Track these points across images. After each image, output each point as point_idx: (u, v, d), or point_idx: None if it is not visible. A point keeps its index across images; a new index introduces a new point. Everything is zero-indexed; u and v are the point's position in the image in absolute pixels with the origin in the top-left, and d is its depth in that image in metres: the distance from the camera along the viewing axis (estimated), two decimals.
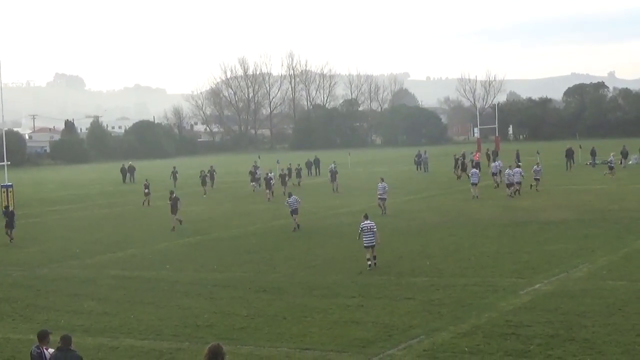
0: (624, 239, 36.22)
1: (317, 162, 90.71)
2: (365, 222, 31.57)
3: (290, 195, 45.55)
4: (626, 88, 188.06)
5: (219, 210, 57.03)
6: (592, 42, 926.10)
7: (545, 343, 20.76)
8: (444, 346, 20.94)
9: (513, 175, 55.72)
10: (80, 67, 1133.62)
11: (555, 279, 28.36)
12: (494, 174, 63.55)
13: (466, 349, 20.60)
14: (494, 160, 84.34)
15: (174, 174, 79.13)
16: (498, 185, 61.67)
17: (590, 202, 50.90)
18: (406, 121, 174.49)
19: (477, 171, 58.70)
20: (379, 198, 49.36)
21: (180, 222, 46.59)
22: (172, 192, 48.72)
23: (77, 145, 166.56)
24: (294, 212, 44.23)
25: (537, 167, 59.78)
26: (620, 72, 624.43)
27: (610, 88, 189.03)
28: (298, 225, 44.07)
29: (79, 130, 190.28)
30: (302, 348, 21.42)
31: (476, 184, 56.31)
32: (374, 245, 31.21)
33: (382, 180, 50.42)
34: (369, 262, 31.12)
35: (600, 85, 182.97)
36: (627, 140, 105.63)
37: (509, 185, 55.64)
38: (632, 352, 19.78)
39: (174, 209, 46.93)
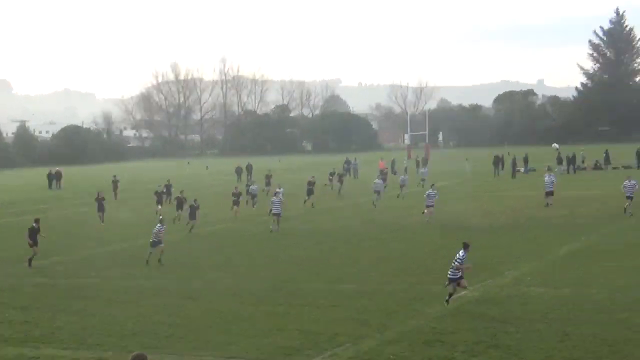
0: (548, 246, 36.81)
1: (249, 168, 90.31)
2: None
3: (161, 221, 38.18)
4: (555, 95, 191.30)
5: (146, 216, 56.41)
6: (522, 49, 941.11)
7: (470, 350, 20.98)
8: (370, 353, 21.03)
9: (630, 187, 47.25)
10: (8, 70, 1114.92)
11: (480, 285, 28.66)
12: (402, 185, 62.39)
13: (391, 356, 20.71)
14: (424, 166, 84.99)
15: (115, 182, 74.49)
16: (399, 196, 61.38)
17: (517, 208, 51.56)
18: (337, 127, 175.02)
19: (381, 182, 59.63)
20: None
21: None
22: None
23: (2, 150, 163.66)
24: (155, 244, 36.89)
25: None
26: (549, 79, 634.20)
27: (540, 95, 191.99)
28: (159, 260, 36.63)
29: (4, 135, 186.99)
30: (227, 357, 21.34)
31: (379, 192, 57.33)
32: None
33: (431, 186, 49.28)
34: None
35: (530, 92, 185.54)
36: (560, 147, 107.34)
37: (629, 198, 46.67)
38: (554, 358, 20.10)
39: None
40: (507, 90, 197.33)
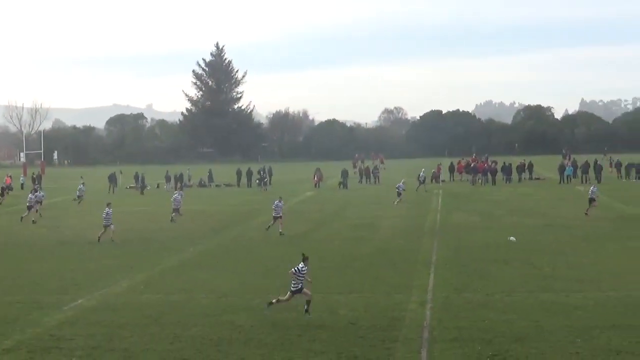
0: (160, 256, 37.02)
1: None
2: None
3: None
4: (163, 119, 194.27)
5: None
6: (132, 75, 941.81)
7: (87, 354, 20.62)
8: None
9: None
10: None
11: (97, 294, 28.26)
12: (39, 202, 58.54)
13: None
14: (38, 183, 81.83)
15: None
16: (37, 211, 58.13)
17: (131, 221, 51.39)
18: None
19: (33, 196, 55.84)
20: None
21: None
22: None
23: None
24: None
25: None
26: (158, 104, 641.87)
27: (149, 119, 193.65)
28: None
29: None
30: None
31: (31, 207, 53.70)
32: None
33: (108, 205, 43.58)
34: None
35: (140, 116, 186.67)
36: (168, 166, 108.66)
37: (278, 218, 44.53)
38: (166, 359, 20.27)
39: None
40: (119, 113, 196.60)
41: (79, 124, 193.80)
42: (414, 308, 25.12)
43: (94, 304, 26.62)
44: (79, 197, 67.22)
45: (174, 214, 51.23)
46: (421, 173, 76.16)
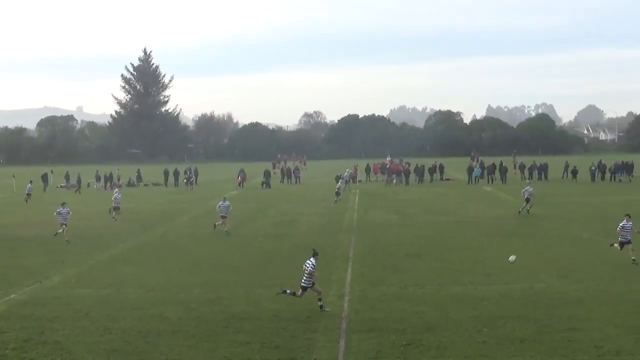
0: (90, 252, 36.55)
1: None
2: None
3: None
4: (92, 121, 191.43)
5: None
6: (62, 79, 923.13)
7: (20, 347, 20.35)
8: None
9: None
10: None
11: (29, 289, 27.81)
12: None
13: None
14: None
15: None
16: None
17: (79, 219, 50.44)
18: None
19: None
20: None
21: None
22: None
23: None
24: None
25: None
26: (87, 106, 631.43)
27: (79, 120, 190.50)
28: None
29: None
30: None
31: None
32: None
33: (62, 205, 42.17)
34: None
35: (70, 117, 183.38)
36: (98, 166, 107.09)
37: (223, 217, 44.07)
38: (96, 350, 20.07)
39: None
40: (50, 115, 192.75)
41: (10, 125, 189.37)
42: (332, 301, 25.30)
43: (25, 299, 26.19)
44: (27, 194, 67.07)
45: (114, 212, 50.54)
46: (345, 174, 76.17)
